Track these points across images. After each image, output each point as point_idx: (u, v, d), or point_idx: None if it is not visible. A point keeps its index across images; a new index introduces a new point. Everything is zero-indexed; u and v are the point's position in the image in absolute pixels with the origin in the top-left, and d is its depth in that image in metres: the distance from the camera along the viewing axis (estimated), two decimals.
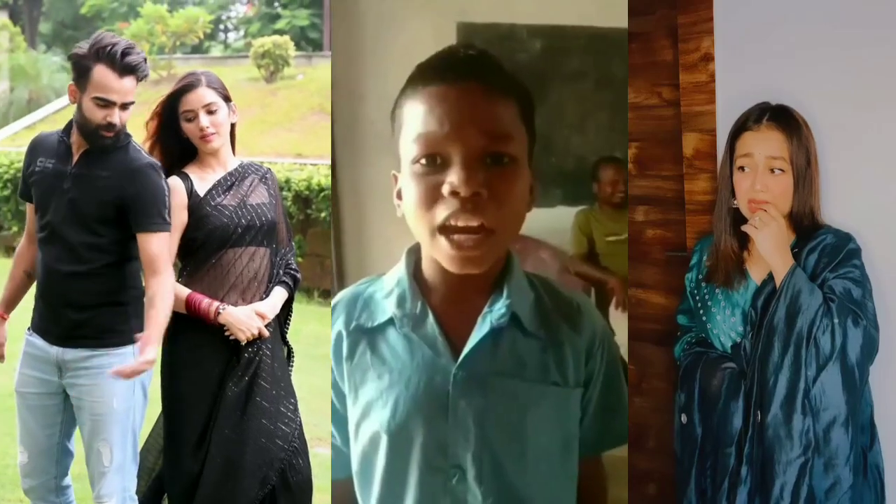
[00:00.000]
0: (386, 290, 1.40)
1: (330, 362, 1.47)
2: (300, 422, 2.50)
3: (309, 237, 7.79)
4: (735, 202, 2.11)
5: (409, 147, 1.28)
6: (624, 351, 2.50)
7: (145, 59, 2.27)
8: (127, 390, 2.31)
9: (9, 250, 8.61)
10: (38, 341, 2.33)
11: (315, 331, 4.96)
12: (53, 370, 2.32)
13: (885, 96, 2.17)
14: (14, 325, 2.51)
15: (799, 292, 1.98)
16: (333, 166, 2.46)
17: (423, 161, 1.26)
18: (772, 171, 2.04)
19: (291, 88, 12.25)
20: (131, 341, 2.31)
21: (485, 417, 1.34)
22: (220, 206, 2.44)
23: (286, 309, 2.56)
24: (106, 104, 2.22)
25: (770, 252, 2.02)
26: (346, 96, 2.41)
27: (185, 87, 2.44)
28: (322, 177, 7.62)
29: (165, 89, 2.48)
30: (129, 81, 2.23)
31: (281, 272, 2.52)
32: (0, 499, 3.38)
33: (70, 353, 2.29)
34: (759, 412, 2.01)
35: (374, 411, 1.37)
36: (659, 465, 2.63)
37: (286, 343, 2.60)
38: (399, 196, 1.35)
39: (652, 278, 2.73)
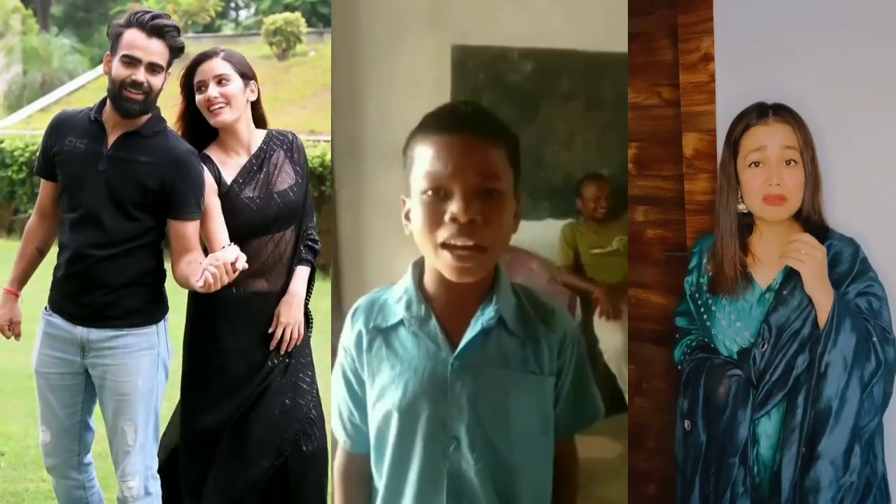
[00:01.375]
0: (396, 296, 1.68)
1: None
2: (317, 392, 2.54)
3: (323, 214, 7.72)
4: (743, 206, 2.10)
5: (419, 181, 1.55)
6: (624, 351, 2.56)
7: (178, 30, 2.32)
8: (151, 369, 2.35)
9: None
10: (59, 321, 2.34)
11: (330, 306, 4.98)
12: (76, 350, 2.33)
13: (885, 96, 2.16)
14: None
15: (850, 332, 1.97)
16: (333, 179, 2.50)
17: (430, 193, 1.54)
18: (787, 162, 2.03)
19: (303, 65, 12.27)
20: (156, 320, 2.35)
21: (476, 398, 1.62)
22: (247, 200, 2.43)
23: (308, 279, 2.55)
24: (131, 61, 2.26)
25: (816, 287, 2.00)
26: (348, 111, 2.45)
27: (200, 57, 2.43)
28: None
29: (179, 70, 2.47)
30: (156, 43, 2.27)
31: (302, 247, 2.52)
32: (22, 479, 3.46)
33: (95, 334, 2.31)
34: (804, 448, 1.99)
35: (387, 393, 1.65)
36: (659, 465, 2.63)
37: (307, 310, 2.58)
38: (407, 217, 1.61)
39: (652, 278, 2.73)
